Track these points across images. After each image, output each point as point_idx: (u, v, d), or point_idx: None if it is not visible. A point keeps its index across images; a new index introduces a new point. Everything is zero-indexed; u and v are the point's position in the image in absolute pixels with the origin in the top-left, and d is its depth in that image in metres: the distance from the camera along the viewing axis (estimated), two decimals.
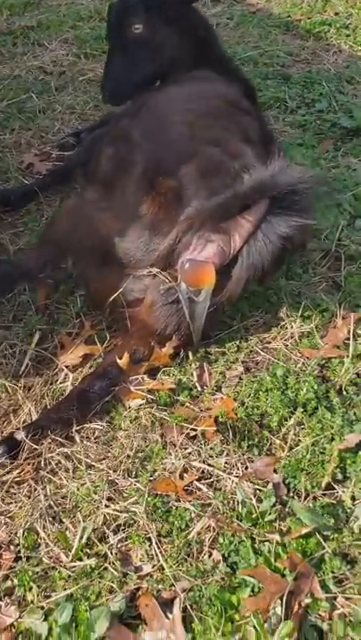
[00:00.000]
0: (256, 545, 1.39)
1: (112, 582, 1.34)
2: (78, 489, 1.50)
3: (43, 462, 1.56)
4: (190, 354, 1.76)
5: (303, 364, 1.73)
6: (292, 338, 1.80)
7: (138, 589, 1.34)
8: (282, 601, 1.27)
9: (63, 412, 1.61)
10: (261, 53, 3.08)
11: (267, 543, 1.39)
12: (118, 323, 1.80)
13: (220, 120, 1.80)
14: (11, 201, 2.31)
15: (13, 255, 2.10)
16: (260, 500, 1.47)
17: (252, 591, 1.31)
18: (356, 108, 2.63)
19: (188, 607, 1.29)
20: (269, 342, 1.81)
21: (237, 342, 1.80)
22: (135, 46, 2.25)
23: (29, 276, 1.93)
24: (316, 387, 1.63)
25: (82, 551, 1.40)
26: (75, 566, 1.38)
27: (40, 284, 1.99)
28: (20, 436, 1.57)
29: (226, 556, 1.38)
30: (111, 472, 1.54)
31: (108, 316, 1.84)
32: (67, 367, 1.77)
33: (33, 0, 3.81)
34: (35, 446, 1.56)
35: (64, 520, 1.46)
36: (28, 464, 1.55)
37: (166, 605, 1.30)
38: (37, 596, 1.33)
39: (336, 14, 3.40)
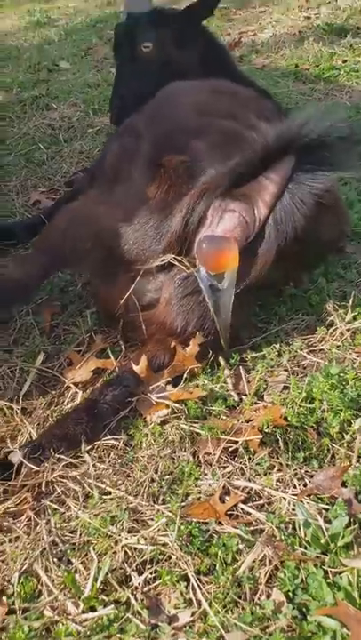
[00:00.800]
0: (330, 577, 1.03)
1: (138, 638, 0.98)
2: (90, 520, 1.16)
3: (45, 489, 1.23)
4: (222, 360, 1.46)
5: None
6: (343, 337, 1.51)
7: None
8: None
9: (70, 428, 1.30)
10: (272, 95, 3.01)
11: (345, 574, 1.02)
12: (134, 332, 1.52)
13: (233, 99, 1.63)
14: (16, 233, 2.12)
15: None
16: (328, 521, 1.11)
17: (335, 639, 0.94)
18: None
19: None
20: (316, 345, 1.52)
21: (277, 346, 1.50)
22: (144, 64, 2.17)
23: (26, 291, 1.66)
24: None
25: (96, 599, 1.04)
26: (87, 619, 1.02)
27: (45, 306, 1.75)
28: (17, 457, 1.25)
29: (291, 594, 1.02)
30: (131, 498, 1.20)
31: (123, 328, 1.57)
32: (75, 385, 1.48)
33: (43, 78, 3.87)
34: (35, 468, 1.23)
35: (73, 560, 1.12)
36: (27, 491, 1.22)
37: None
38: None
39: (344, 62, 3.38)
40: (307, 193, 1.26)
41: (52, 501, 1.21)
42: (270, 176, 1.28)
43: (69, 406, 1.43)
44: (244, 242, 1.30)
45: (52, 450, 1.27)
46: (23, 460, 1.23)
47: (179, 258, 1.38)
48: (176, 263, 1.38)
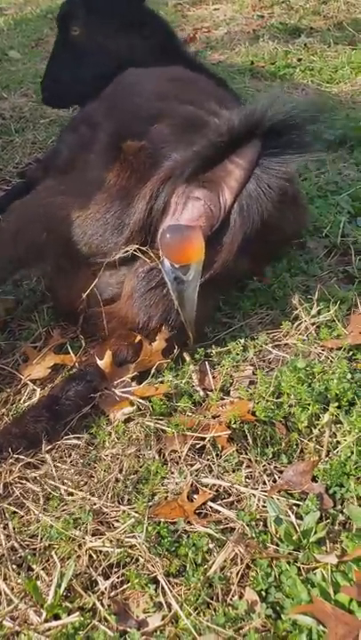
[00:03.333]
0: (304, 574, 1.00)
1: None
2: (52, 523, 1.10)
3: (3, 491, 1.16)
4: (187, 355, 1.42)
5: (327, 356, 1.41)
6: (308, 331, 1.49)
7: None
8: None
9: (29, 427, 1.24)
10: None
11: (319, 570, 1.00)
12: (95, 327, 1.46)
13: (193, 87, 1.59)
14: None
15: None
16: (299, 517, 1.09)
17: (311, 638, 0.91)
18: (338, 122, 2.49)
19: None
20: (281, 339, 1.49)
21: (242, 341, 1.47)
22: (75, 49, 2.12)
23: None
24: (350, 375, 1.30)
25: (60, 606, 0.98)
26: (50, 628, 0.96)
27: None
28: None
29: (264, 593, 0.99)
30: (95, 499, 1.15)
31: (83, 323, 1.50)
32: (33, 382, 1.41)
33: None
34: None
35: (34, 566, 1.05)
36: None
37: None
38: None
39: (299, 60, 3.39)
40: (273, 177, 1.22)
41: (9, 504, 1.14)
42: (236, 161, 1.23)
43: (27, 404, 1.36)
44: (209, 231, 1.26)
45: (10, 449, 1.20)
46: None
47: (143, 249, 1.33)
48: (139, 255, 1.33)
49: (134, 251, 1.33)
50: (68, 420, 1.28)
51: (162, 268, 1.29)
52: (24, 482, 1.18)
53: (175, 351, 1.40)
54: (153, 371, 1.38)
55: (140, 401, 1.30)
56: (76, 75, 2.13)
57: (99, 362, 1.32)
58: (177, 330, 1.36)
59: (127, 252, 1.34)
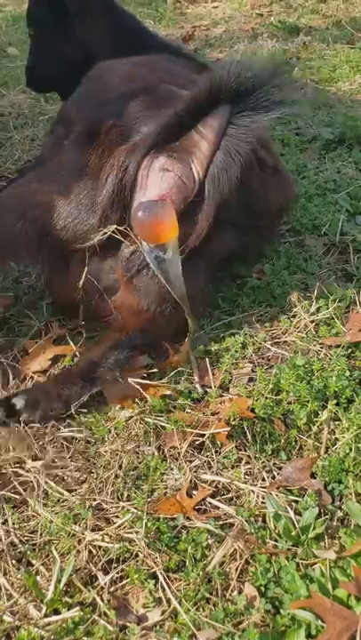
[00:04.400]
0: (303, 569, 1.01)
1: None
2: (52, 519, 1.10)
3: (1, 486, 1.16)
4: (188, 352, 1.42)
5: (326, 353, 1.42)
6: (307, 329, 1.50)
7: None
8: None
9: (64, 389, 1.27)
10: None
11: (317, 565, 1.01)
12: (97, 317, 1.46)
13: (161, 67, 1.58)
14: None
15: None
16: (298, 513, 1.09)
17: (310, 632, 0.92)
18: (336, 121, 2.49)
19: None
20: (280, 336, 1.50)
21: (242, 338, 1.47)
22: (47, 34, 2.15)
23: None
24: (348, 372, 1.31)
25: (60, 601, 0.99)
26: (50, 623, 0.96)
27: None
28: (21, 402, 1.23)
29: (263, 589, 0.99)
30: (95, 495, 1.15)
31: (84, 314, 1.50)
32: (34, 374, 1.41)
33: None
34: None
35: (33, 561, 1.06)
36: None
37: None
38: None
39: (298, 58, 3.40)
40: (242, 142, 1.22)
41: (9, 499, 1.14)
42: (204, 130, 1.22)
43: None
44: (182, 203, 1.24)
45: (49, 409, 1.24)
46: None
47: (121, 229, 1.29)
48: (118, 236, 1.30)
49: (112, 232, 1.30)
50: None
51: (141, 248, 1.27)
52: (22, 477, 1.18)
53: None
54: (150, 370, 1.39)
55: (147, 396, 1.30)
56: (52, 58, 2.17)
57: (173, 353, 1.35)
58: (175, 309, 1.36)
59: (105, 233, 1.31)
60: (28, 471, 1.19)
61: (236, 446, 1.23)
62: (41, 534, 1.09)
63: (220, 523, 1.09)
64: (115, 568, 1.04)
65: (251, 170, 1.25)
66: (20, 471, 1.19)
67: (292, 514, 1.09)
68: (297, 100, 1.79)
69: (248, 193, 1.26)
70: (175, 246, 1.23)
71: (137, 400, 1.31)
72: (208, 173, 1.23)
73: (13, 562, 1.05)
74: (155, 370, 1.39)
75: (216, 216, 1.26)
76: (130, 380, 1.34)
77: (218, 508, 1.12)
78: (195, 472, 1.19)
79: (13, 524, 1.10)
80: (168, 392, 1.33)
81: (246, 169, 1.25)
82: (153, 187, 1.24)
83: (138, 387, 1.33)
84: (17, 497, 1.15)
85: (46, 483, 1.17)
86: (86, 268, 1.36)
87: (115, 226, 1.29)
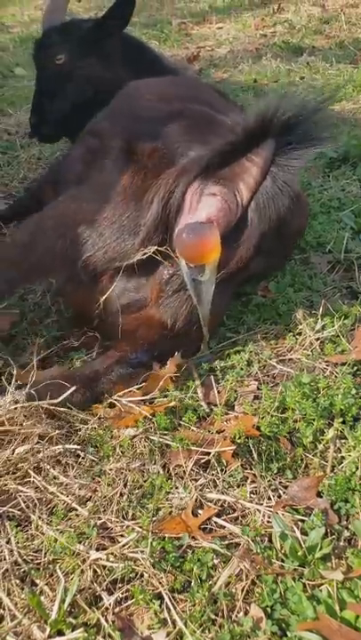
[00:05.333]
0: (309, 590, 0.99)
1: None
2: (56, 538, 1.09)
3: (4, 503, 1.15)
4: (191, 369, 1.42)
5: (332, 371, 1.41)
6: (312, 346, 1.49)
7: None
8: None
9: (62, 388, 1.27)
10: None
11: (324, 586, 0.99)
12: (112, 332, 1.47)
13: (195, 89, 1.60)
14: None
15: None
16: (304, 533, 1.08)
17: None
18: (340, 140, 2.51)
19: None
20: (286, 354, 1.50)
21: (247, 356, 1.47)
22: (60, 78, 2.15)
23: None
24: (354, 390, 1.30)
25: (64, 622, 0.98)
26: None
27: (3, 315, 1.67)
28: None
29: (269, 610, 0.98)
30: (100, 514, 1.14)
31: (98, 329, 1.51)
32: None
33: None
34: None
35: (37, 581, 1.05)
36: None
37: None
38: None
39: (302, 78, 3.43)
40: (289, 174, 1.24)
41: (13, 517, 1.14)
42: (252, 159, 1.25)
43: None
44: (225, 227, 1.26)
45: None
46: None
47: (161, 249, 1.32)
48: (157, 257, 1.32)
49: (153, 253, 1.33)
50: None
51: (180, 269, 1.29)
52: (27, 495, 1.17)
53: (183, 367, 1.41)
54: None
55: (147, 415, 1.30)
56: (63, 104, 2.16)
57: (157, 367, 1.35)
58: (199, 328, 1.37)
59: (145, 253, 1.34)
60: (33, 489, 1.19)
61: (241, 465, 1.22)
62: (45, 553, 1.08)
63: (226, 542, 1.08)
64: (119, 588, 1.03)
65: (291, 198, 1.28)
66: (24, 489, 1.18)
67: (298, 533, 1.08)
68: (337, 133, 1.83)
69: (281, 221, 1.28)
70: (214, 269, 1.25)
71: (141, 418, 1.31)
72: (253, 201, 1.25)
73: (17, 581, 1.04)
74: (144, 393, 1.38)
75: (258, 244, 1.27)
76: (123, 400, 1.35)
77: (224, 527, 1.11)
78: (200, 491, 1.18)
79: (17, 542, 1.09)
80: (173, 404, 1.33)
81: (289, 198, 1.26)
82: (200, 210, 1.26)
83: (138, 406, 1.33)
84: (20, 514, 1.14)
85: (51, 501, 1.16)
86: (114, 285, 1.37)
87: (155, 247, 1.32)
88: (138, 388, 1.37)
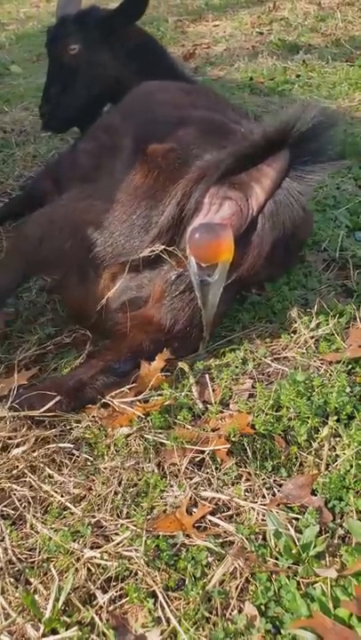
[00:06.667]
0: (303, 588, 1.00)
1: None
2: (50, 537, 1.09)
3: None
4: (186, 368, 1.42)
5: (326, 369, 1.41)
6: (307, 344, 1.49)
7: None
8: None
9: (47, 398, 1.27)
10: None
11: (319, 584, 1.00)
12: (107, 330, 1.47)
13: (207, 97, 1.61)
14: None
15: None
16: (299, 531, 1.08)
17: None
18: (335, 138, 2.51)
19: None
20: (280, 352, 1.50)
21: (242, 354, 1.48)
22: (74, 68, 2.14)
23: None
24: (349, 388, 1.31)
25: (58, 620, 0.97)
26: None
27: None
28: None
29: (263, 608, 0.98)
30: (94, 512, 1.14)
31: (93, 328, 1.51)
32: None
33: None
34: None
35: (31, 579, 1.05)
36: None
37: None
38: None
39: (298, 76, 3.43)
40: (304, 185, 1.24)
41: (7, 516, 1.13)
42: (268, 167, 1.24)
43: None
44: (237, 231, 1.26)
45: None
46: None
47: (169, 249, 1.32)
48: (164, 255, 1.32)
49: (161, 251, 1.33)
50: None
51: (189, 268, 1.29)
52: (21, 493, 1.17)
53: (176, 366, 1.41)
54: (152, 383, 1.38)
55: (140, 415, 1.30)
56: (76, 95, 2.15)
57: (145, 365, 1.33)
58: (198, 329, 1.38)
59: (153, 251, 1.34)
60: (27, 487, 1.19)
61: (236, 463, 1.22)
62: (39, 552, 1.08)
63: (220, 540, 1.08)
64: (114, 586, 1.03)
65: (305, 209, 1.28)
66: (18, 487, 1.18)
67: (292, 531, 1.08)
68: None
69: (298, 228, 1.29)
70: (224, 271, 1.24)
71: (136, 417, 1.31)
72: (267, 208, 1.25)
73: (11, 580, 1.04)
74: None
75: (270, 252, 1.27)
76: (115, 402, 1.35)
77: (218, 525, 1.11)
78: (195, 489, 1.18)
79: (11, 541, 1.09)
80: (169, 402, 1.33)
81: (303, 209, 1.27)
82: (214, 212, 1.26)
83: (131, 406, 1.33)
84: (14, 513, 1.14)
85: (45, 499, 1.16)
86: (118, 283, 1.38)
87: (163, 246, 1.32)
88: (130, 388, 1.36)
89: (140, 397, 1.35)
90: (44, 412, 1.25)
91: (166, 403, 1.32)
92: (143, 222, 1.35)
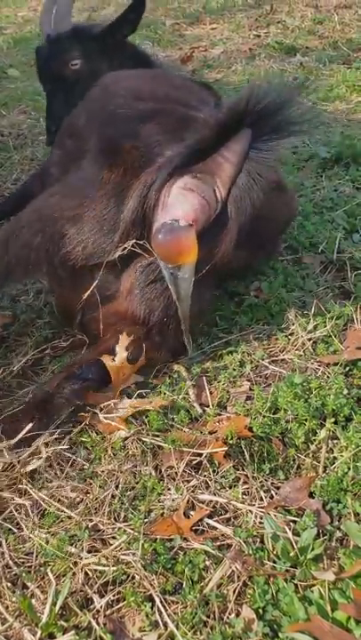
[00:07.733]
0: (301, 591, 0.99)
1: None
2: (47, 541, 1.09)
3: None
4: (183, 371, 1.42)
5: (324, 371, 1.41)
6: (304, 347, 1.49)
7: None
8: None
9: (20, 424, 1.24)
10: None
11: (316, 587, 0.99)
12: (92, 328, 1.47)
13: (170, 85, 1.60)
14: None
15: None
16: (296, 533, 1.08)
17: None
18: (333, 140, 2.52)
19: None
20: (278, 354, 1.49)
21: (239, 356, 1.47)
22: (75, 83, 2.15)
23: None
24: (346, 391, 1.30)
25: (55, 624, 0.97)
26: None
27: None
28: None
29: (261, 611, 0.98)
30: (92, 516, 1.14)
31: (80, 322, 1.51)
32: None
33: None
34: None
35: (28, 583, 1.04)
36: None
37: None
38: None
39: (295, 79, 3.43)
40: (263, 165, 1.22)
41: (3, 521, 1.13)
42: (227, 152, 1.22)
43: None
44: (205, 223, 1.25)
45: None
46: None
47: (140, 242, 1.31)
48: (138, 250, 1.31)
49: (132, 246, 1.31)
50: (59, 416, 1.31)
51: (159, 262, 1.28)
52: (18, 498, 1.17)
53: (171, 365, 1.40)
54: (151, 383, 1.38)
55: (134, 421, 1.30)
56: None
57: (108, 361, 1.32)
58: (176, 323, 1.36)
59: (125, 248, 1.32)
60: (24, 492, 1.18)
61: (233, 466, 1.22)
62: (36, 556, 1.08)
63: (218, 544, 1.08)
64: (111, 591, 1.02)
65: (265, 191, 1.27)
66: (15, 492, 1.18)
67: (290, 534, 1.07)
68: (313, 124, 1.83)
69: (259, 213, 1.27)
70: (191, 269, 1.23)
71: (133, 420, 1.31)
72: (231, 195, 1.23)
73: (8, 584, 1.04)
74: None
75: (238, 238, 1.26)
76: (101, 416, 1.33)
77: (215, 528, 1.11)
78: (192, 492, 1.18)
79: (8, 545, 1.09)
80: (165, 403, 1.33)
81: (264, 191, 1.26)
82: (176, 206, 1.24)
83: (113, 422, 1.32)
84: (11, 517, 1.14)
85: (42, 504, 1.16)
86: (96, 281, 1.37)
87: (134, 240, 1.30)
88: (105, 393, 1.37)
89: (127, 410, 1.33)
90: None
91: (162, 403, 1.32)
92: (112, 220, 1.33)
